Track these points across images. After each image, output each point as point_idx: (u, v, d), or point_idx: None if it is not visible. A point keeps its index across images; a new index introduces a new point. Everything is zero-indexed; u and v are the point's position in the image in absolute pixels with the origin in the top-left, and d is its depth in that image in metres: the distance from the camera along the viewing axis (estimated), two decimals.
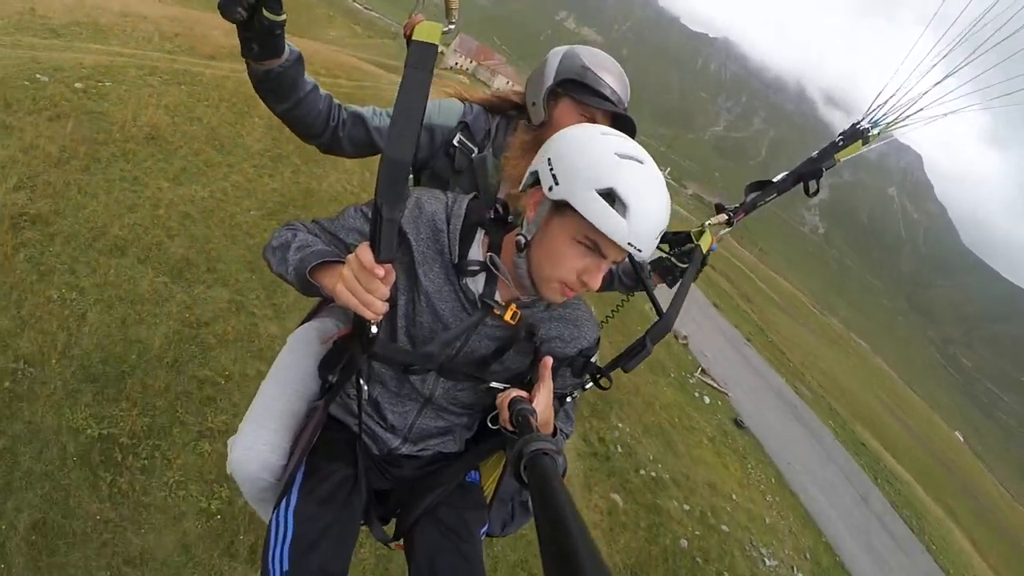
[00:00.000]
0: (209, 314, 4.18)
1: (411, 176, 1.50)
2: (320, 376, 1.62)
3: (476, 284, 1.43)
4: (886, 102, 1.73)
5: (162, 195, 5.20)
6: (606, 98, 1.68)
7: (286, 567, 1.30)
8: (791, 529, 11.51)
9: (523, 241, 1.31)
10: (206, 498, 3.10)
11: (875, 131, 1.80)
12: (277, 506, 1.41)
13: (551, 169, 1.24)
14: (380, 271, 1.03)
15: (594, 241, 1.24)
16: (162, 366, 3.60)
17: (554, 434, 1.47)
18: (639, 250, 1.23)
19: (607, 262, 1.28)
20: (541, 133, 1.72)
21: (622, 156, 1.20)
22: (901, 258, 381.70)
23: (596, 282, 1.30)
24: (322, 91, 1.53)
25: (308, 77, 1.45)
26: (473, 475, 1.71)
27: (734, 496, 10.25)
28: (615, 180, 1.18)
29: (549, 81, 1.71)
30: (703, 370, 16.32)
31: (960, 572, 20.70)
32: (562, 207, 1.23)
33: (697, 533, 8.34)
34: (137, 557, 2.72)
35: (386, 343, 1.46)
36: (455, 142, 1.76)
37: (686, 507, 8.84)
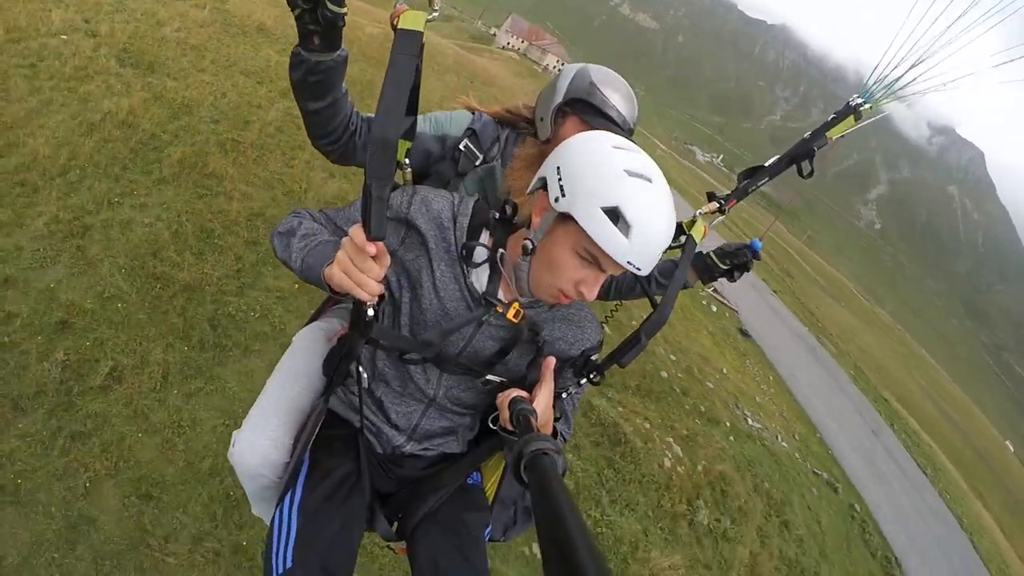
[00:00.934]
0: None
1: (406, 172, 1.59)
2: (324, 373, 1.63)
3: (480, 281, 1.45)
4: (885, 75, 1.68)
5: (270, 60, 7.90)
6: (611, 120, 1.71)
7: (289, 564, 1.31)
8: (782, 413, 13.07)
9: (530, 246, 1.33)
10: None
11: (867, 106, 1.75)
12: (280, 502, 1.43)
13: (559, 179, 1.25)
14: (372, 249, 1.05)
15: (594, 255, 1.26)
16: None
17: (555, 435, 1.49)
18: (638, 268, 1.25)
19: (605, 275, 1.31)
20: (547, 149, 1.76)
21: (631, 173, 1.22)
22: (959, 259, 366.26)
23: (592, 293, 1.33)
24: (349, 97, 1.52)
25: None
26: (475, 476, 1.73)
27: (725, 371, 11.59)
28: (621, 199, 1.20)
29: (558, 98, 1.74)
30: (715, 289, 17.36)
31: (974, 523, 21.08)
32: (566, 218, 1.25)
33: (680, 376, 8.80)
34: None
35: (384, 328, 1.48)
36: (461, 146, 1.80)
37: (672, 357, 9.24)
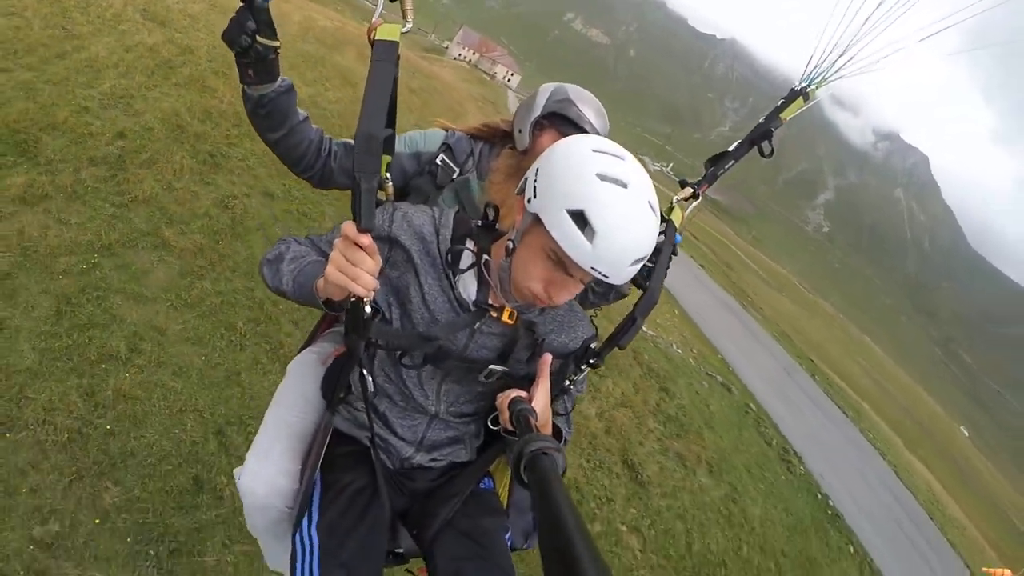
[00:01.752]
0: None
1: (387, 186, 1.58)
2: (323, 394, 1.61)
3: (468, 291, 1.45)
4: (824, 59, 1.78)
5: None
6: (586, 133, 1.75)
7: None
8: (683, 334, 13.39)
9: (511, 247, 1.33)
10: None
11: (812, 87, 1.84)
12: (298, 526, 1.42)
13: (535, 180, 1.26)
14: (364, 240, 1.08)
15: (560, 259, 1.23)
16: None
17: (556, 435, 1.51)
18: (605, 276, 1.21)
19: (574, 280, 1.28)
20: (524, 160, 1.85)
21: (603, 177, 1.18)
22: (907, 260, 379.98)
23: (560, 298, 1.31)
24: (313, 124, 1.57)
25: (300, 109, 1.51)
26: (487, 482, 1.72)
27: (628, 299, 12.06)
28: (588, 202, 1.17)
29: (537, 112, 1.83)
30: None
31: (899, 460, 21.59)
32: (538, 219, 1.23)
33: None
34: None
35: (382, 326, 1.45)
36: (438, 161, 1.86)
37: None
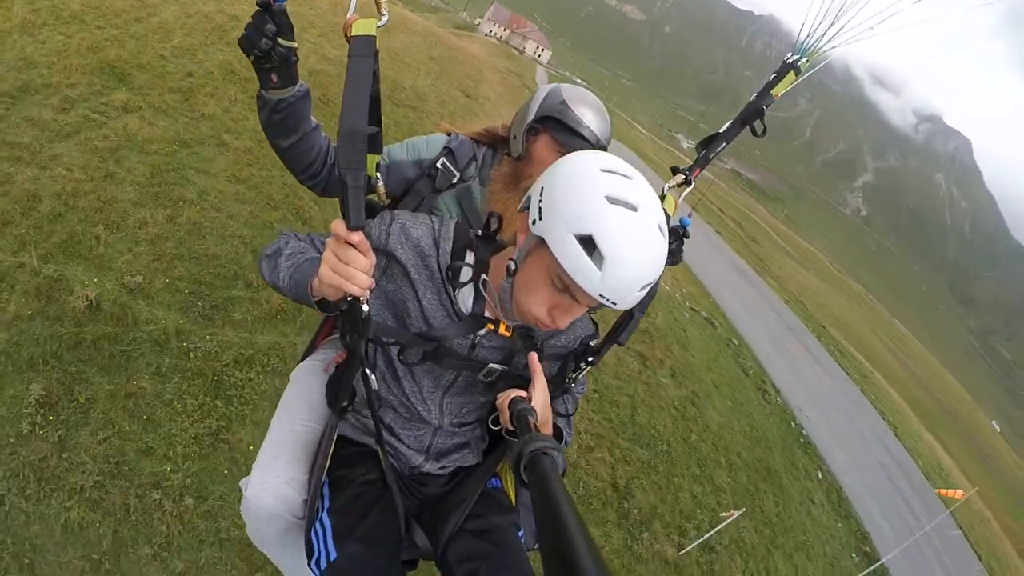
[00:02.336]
0: None
1: (377, 186, 1.55)
2: (328, 401, 1.60)
3: (467, 304, 1.45)
4: (810, 32, 1.71)
5: None
6: (583, 137, 1.73)
7: (333, 556, 1.33)
8: (675, 276, 13.54)
9: (512, 267, 1.31)
10: None
11: (803, 60, 1.78)
12: (311, 522, 1.45)
13: (540, 200, 1.22)
14: (355, 237, 1.06)
15: (566, 284, 1.21)
16: None
17: (556, 435, 1.50)
18: (613, 303, 1.19)
19: (580, 306, 1.26)
20: (520, 167, 1.80)
21: (612, 200, 1.15)
22: (947, 246, 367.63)
23: (565, 323, 1.29)
24: (323, 133, 1.56)
25: (312, 117, 1.51)
26: (494, 481, 1.71)
27: None
28: (596, 227, 1.14)
29: (530, 117, 1.76)
30: None
31: (901, 423, 21.05)
32: (543, 241, 1.21)
33: None
34: None
35: (381, 323, 1.44)
36: (438, 164, 1.81)
37: None
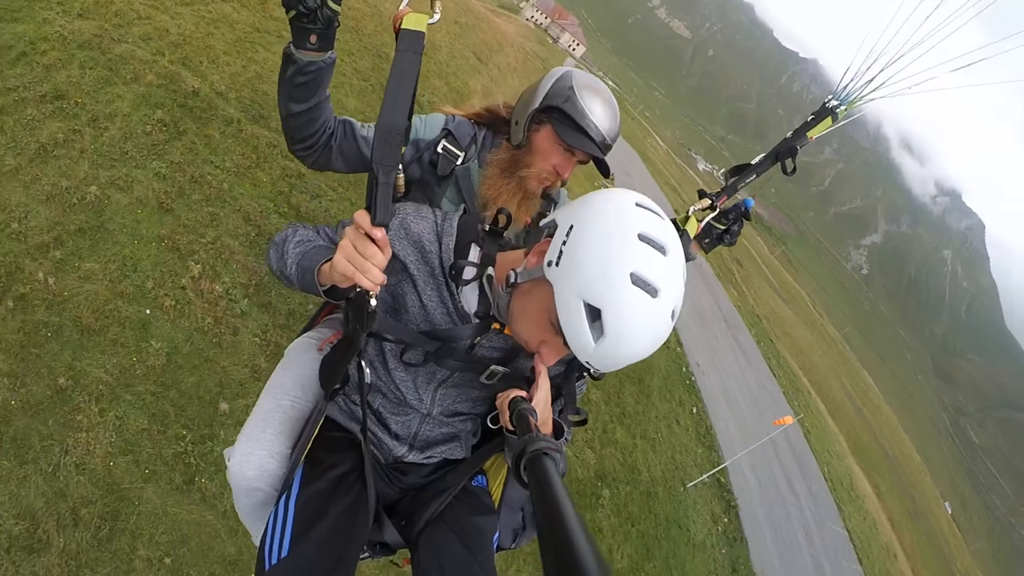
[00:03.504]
0: None
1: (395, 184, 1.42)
2: (321, 383, 1.52)
3: (470, 302, 1.42)
4: (852, 79, 1.74)
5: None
6: (588, 135, 1.65)
7: (285, 553, 1.29)
8: None
9: (513, 279, 1.29)
10: None
11: (842, 108, 1.80)
12: (276, 503, 1.40)
13: (564, 242, 1.17)
14: (377, 233, 1.05)
15: (560, 331, 1.19)
16: None
17: (557, 435, 1.46)
18: (595, 370, 1.21)
19: (567, 350, 1.24)
20: (519, 155, 1.74)
21: (636, 280, 1.09)
22: (938, 321, 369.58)
23: (550, 360, 1.30)
24: (330, 104, 1.54)
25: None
26: (480, 479, 1.70)
27: None
28: (609, 304, 1.10)
29: (535, 104, 1.68)
30: None
31: (821, 438, 21.17)
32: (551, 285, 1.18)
33: None
34: None
35: (386, 319, 1.40)
36: (439, 148, 1.75)
37: None
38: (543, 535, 0.77)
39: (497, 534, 1.60)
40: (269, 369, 2.25)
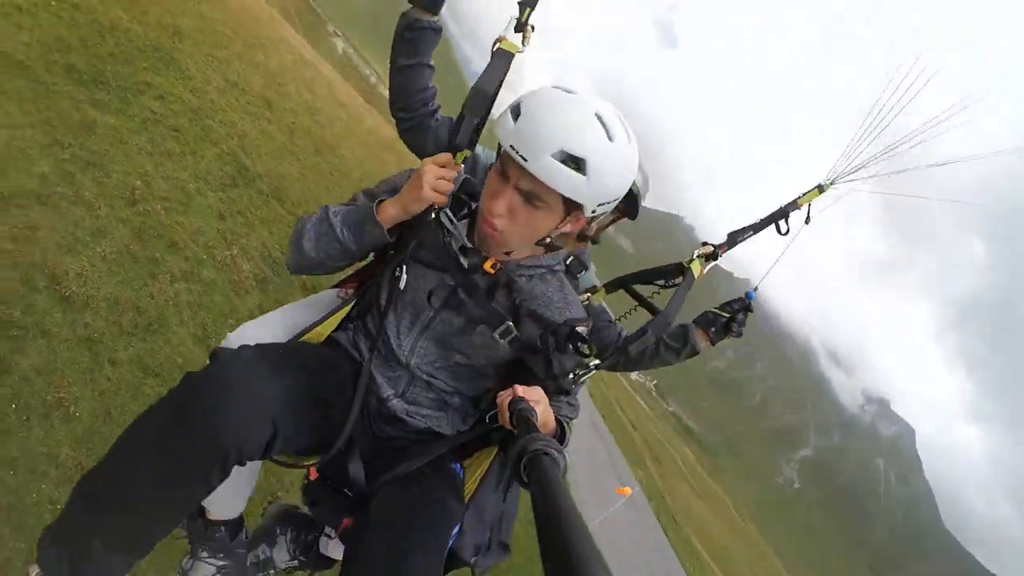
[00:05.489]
0: None
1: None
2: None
3: (461, 236, 1.55)
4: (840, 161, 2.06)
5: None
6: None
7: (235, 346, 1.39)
8: None
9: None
10: None
11: (828, 184, 2.10)
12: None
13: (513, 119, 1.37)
14: (453, 164, 1.40)
15: (503, 168, 1.39)
16: None
17: (559, 435, 1.52)
18: (523, 158, 1.28)
19: (509, 187, 1.38)
20: None
21: (555, 86, 1.37)
22: (875, 531, 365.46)
23: (498, 207, 1.41)
24: (433, 83, 1.73)
25: (432, 62, 1.71)
26: (457, 467, 1.73)
27: None
28: (526, 96, 1.34)
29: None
30: None
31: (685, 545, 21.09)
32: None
33: None
34: None
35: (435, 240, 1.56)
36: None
37: None
38: (543, 535, 0.76)
39: (458, 528, 1.57)
40: None
